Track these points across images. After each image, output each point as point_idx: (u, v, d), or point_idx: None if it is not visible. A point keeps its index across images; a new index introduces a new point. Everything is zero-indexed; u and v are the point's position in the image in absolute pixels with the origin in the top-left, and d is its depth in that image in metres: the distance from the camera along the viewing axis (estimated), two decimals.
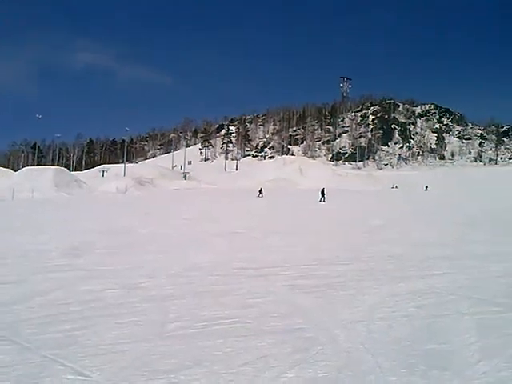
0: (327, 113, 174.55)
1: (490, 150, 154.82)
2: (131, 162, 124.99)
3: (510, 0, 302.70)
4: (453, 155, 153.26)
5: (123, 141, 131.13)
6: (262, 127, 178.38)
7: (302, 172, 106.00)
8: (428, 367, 5.15)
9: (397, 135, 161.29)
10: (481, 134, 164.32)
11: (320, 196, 45.76)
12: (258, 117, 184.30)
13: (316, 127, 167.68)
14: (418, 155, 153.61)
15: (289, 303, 7.98)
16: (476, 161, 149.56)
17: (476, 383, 4.77)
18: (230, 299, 8.14)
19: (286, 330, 6.48)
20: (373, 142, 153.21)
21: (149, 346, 5.81)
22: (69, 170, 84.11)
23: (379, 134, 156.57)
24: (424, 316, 7.24)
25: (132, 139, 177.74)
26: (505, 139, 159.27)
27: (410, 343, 5.96)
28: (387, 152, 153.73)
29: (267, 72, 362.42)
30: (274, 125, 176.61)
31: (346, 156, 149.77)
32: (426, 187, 80.00)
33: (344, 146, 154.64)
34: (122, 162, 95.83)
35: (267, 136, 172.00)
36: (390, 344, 5.92)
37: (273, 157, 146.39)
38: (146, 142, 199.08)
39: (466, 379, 4.86)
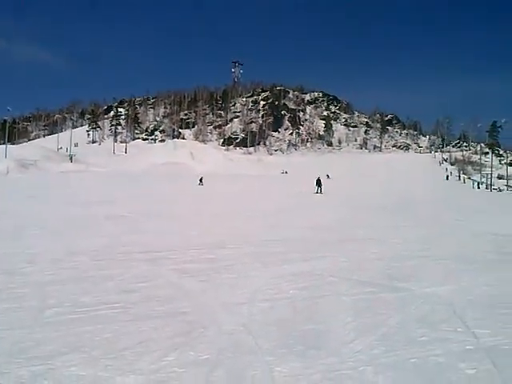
0: (219, 97, 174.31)
1: (375, 137, 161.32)
2: (13, 144, 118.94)
3: None
4: (340, 142, 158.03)
5: (4, 121, 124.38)
6: (152, 110, 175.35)
7: (194, 156, 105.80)
8: (306, 347, 5.31)
9: (287, 121, 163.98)
10: (366, 122, 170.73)
11: (316, 187, 40.47)
12: (148, 99, 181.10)
13: (207, 111, 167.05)
14: (307, 141, 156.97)
15: (173, 287, 7.94)
16: (362, 148, 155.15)
17: (350, 361, 4.96)
18: (113, 284, 7.99)
19: (169, 313, 6.46)
20: (264, 127, 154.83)
21: (26, 333, 5.61)
22: None
23: (270, 120, 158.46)
24: (305, 297, 7.44)
25: (14, 119, 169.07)
26: (388, 127, 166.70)
27: (290, 324, 6.12)
28: (277, 138, 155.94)
29: (158, 54, 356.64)
30: (165, 108, 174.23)
31: (238, 141, 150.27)
32: (328, 176, 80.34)
33: (235, 131, 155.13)
34: (3, 144, 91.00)
35: (158, 119, 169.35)
36: (271, 325, 6.05)
37: (163, 140, 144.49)
38: (30, 122, 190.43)
39: (340, 357, 5.05)
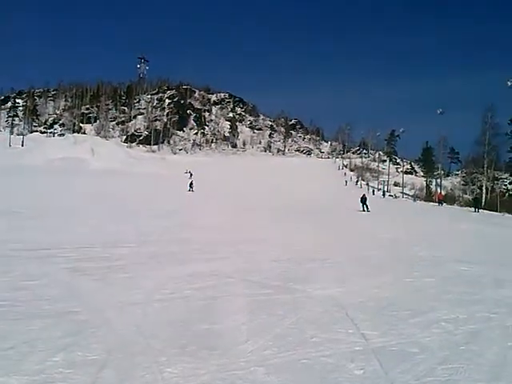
0: (123, 93, 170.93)
1: (279, 141, 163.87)
2: None
3: None
4: (244, 144, 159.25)
5: None
6: (52, 102, 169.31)
7: (94, 152, 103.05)
8: (198, 347, 5.27)
9: (192, 121, 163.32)
10: (271, 125, 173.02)
11: (361, 204, 34.43)
12: (48, 91, 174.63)
13: (110, 107, 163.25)
14: (211, 142, 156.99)
15: (65, 286, 7.70)
16: (266, 151, 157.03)
17: (242, 361, 4.97)
18: (1, 282, 7.65)
19: (59, 313, 6.23)
20: (168, 126, 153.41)
21: None
22: None
23: (175, 119, 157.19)
24: (200, 298, 7.41)
25: None
26: (292, 132, 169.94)
27: (183, 324, 6.06)
28: (182, 137, 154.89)
29: (59, 45, 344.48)
30: (66, 101, 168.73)
31: (141, 138, 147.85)
32: (190, 173, 78.31)
33: (139, 128, 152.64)
34: None
35: (58, 112, 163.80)
36: (164, 326, 5.98)
37: (63, 134, 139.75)
38: None
39: (233, 358, 5.04)
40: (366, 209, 33.66)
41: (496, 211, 48.67)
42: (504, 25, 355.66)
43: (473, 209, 46.71)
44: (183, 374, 4.54)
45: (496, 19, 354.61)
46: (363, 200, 34.56)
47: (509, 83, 49.74)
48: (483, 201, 62.25)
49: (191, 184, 46.55)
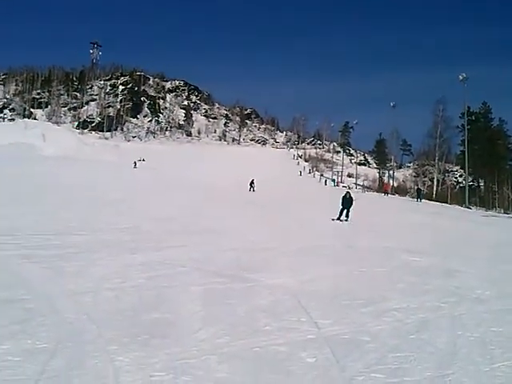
0: (75, 78, 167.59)
1: (234, 130, 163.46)
2: None
3: None
4: (199, 133, 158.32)
5: None
6: (2, 87, 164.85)
7: (46, 138, 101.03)
8: (150, 336, 5.21)
9: (146, 108, 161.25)
10: (226, 114, 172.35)
11: (340, 207, 21.33)
12: None
13: (62, 92, 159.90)
14: (166, 130, 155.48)
15: (13, 274, 7.54)
16: (221, 140, 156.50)
17: (194, 350, 4.93)
18: None
19: (7, 300, 6.11)
20: (122, 113, 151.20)
21: None
22: None
23: (128, 106, 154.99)
24: (153, 287, 7.34)
25: None
26: (247, 121, 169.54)
27: (135, 313, 6.00)
28: (136, 124, 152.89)
29: (10, 28, 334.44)
30: (17, 85, 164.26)
31: (93, 125, 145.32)
32: (143, 159, 77.34)
33: (91, 115, 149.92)
34: None
35: (8, 97, 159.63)
36: (115, 314, 5.90)
37: (13, 119, 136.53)
38: None
39: (185, 347, 5.01)
40: (344, 217, 21.19)
41: (446, 203, 50.02)
42: (457, 22, 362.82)
43: (415, 199, 48.31)
44: (135, 363, 4.48)
45: (449, 19, 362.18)
46: (345, 202, 21.50)
47: (460, 77, 50.91)
48: (434, 192, 63.62)
49: (252, 183, 45.86)
